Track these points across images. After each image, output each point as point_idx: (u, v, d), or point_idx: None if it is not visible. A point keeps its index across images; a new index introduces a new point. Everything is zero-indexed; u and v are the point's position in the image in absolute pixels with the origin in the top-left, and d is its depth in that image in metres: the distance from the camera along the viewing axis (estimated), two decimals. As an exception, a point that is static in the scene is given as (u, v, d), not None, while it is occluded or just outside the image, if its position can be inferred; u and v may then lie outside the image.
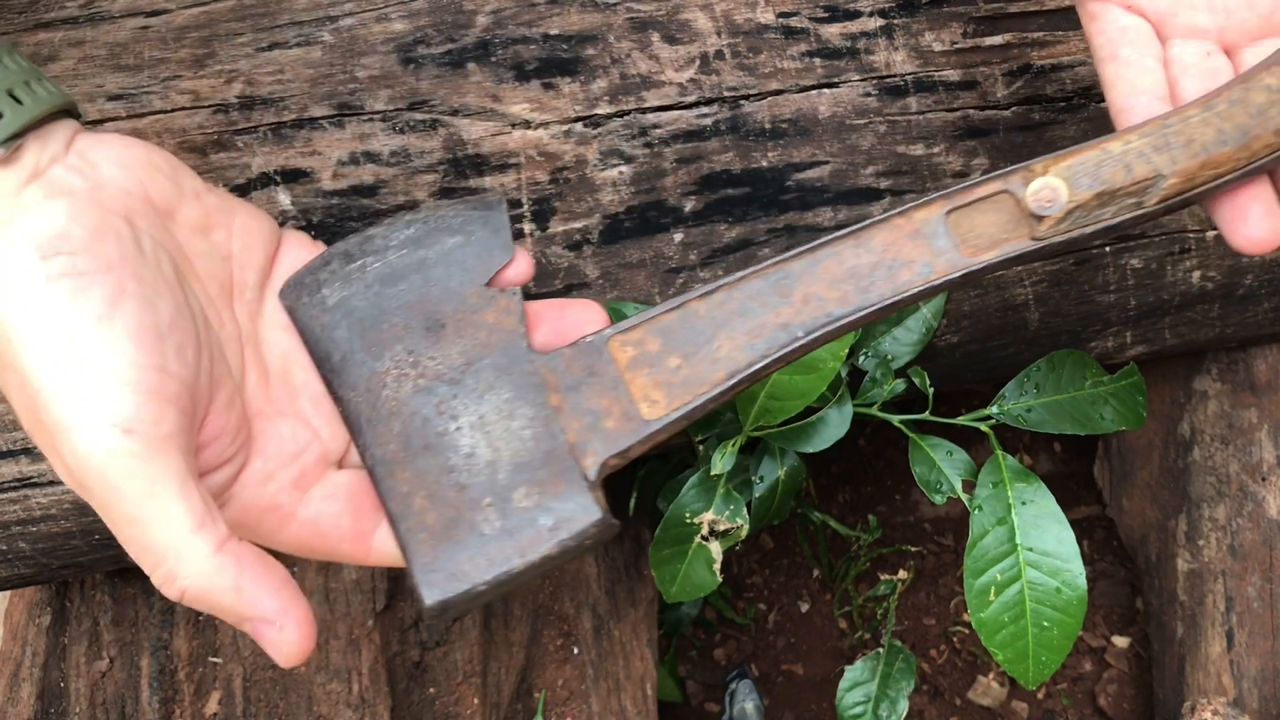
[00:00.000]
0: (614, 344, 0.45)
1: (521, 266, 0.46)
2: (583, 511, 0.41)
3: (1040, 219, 0.45)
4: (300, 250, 0.47)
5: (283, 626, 0.39)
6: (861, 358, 0.69)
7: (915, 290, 0.45)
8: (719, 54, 0.63)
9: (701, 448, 0.70)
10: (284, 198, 0.59)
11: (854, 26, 0.64)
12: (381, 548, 0.43)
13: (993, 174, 0.46)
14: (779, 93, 0.63)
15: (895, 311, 0.46)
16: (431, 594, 0.41)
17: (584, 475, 0.42)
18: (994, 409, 0.68)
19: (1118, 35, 0.50)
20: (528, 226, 0.61)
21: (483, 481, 0.42)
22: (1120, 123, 0.49)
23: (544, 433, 0.43)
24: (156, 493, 0.36)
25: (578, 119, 0.61)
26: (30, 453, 0.61)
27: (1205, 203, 0.47)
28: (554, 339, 0.45)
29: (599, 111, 0.61)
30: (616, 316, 0.64)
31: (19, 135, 0.39)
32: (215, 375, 0.41)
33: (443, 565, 0.41)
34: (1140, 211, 0.46)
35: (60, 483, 0.62)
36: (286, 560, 0.74)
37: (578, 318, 0.46)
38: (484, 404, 0.43)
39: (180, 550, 0.37)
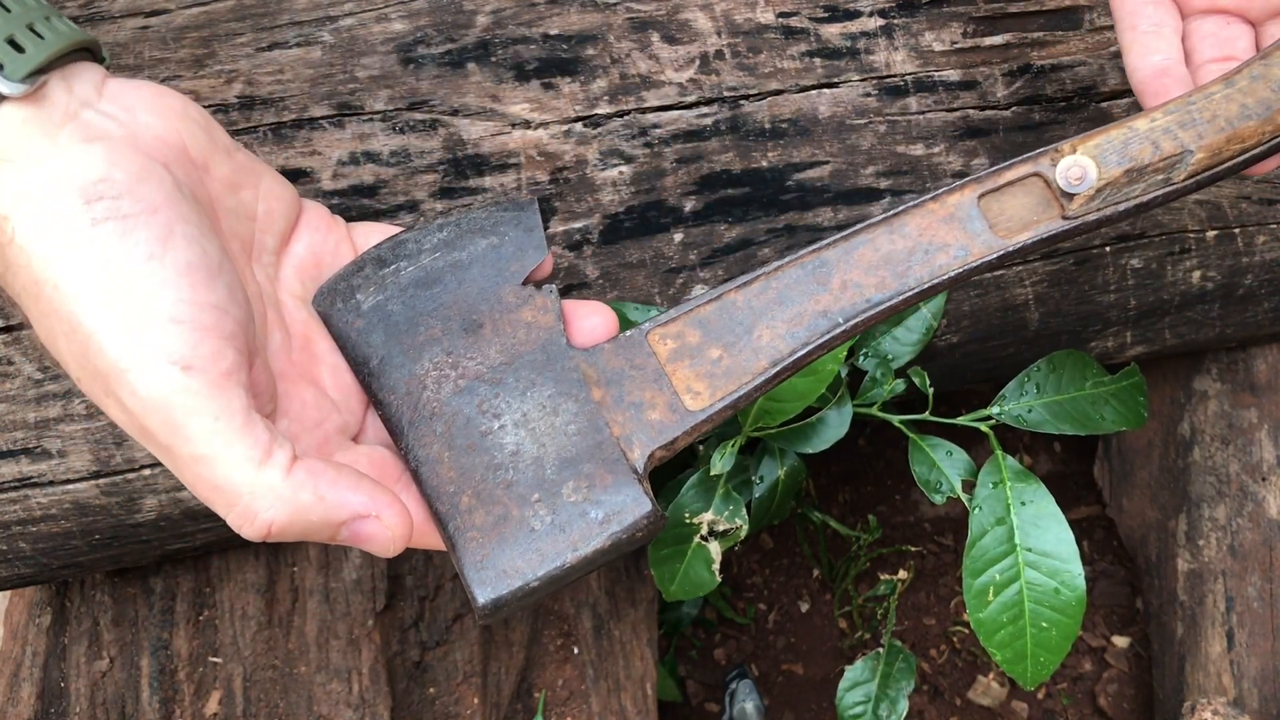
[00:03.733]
0: (653, 337, 0.45)
1: (545, 265, 0.47)
2: (633, 503, 0.41)
3: (1071, 197, 0.45)
4: (319, 221, 0.47)
5: (380, 514, 0.39)
6: (861, 358, 0.69)
7: (952, 274, 0.45)
8: (719, 54, 0.63)
9: (701, 448, 0.70)
10: (284, 198, 0.59)
11: (854, 26, 0.64)
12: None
13: (1021, 157, 0.46)
14: (779, 93, 0.63)
15: (933, 295, 0.46)
16: (484, 593, 0.40)
17: (632, 468, 0.42)
18: (994, 409, 0.68)
19: (1138, 6, 0.52)
20: (527, 226, 0.62)
21: (530, 478, 0.42)
22: (1136, 83, 0.50)
23: (588, 427, 0.43)
24: (220, 429, 0.36)
25: (578, 119, 0.61)
26: (30, 453, 0.61)
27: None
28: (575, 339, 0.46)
29: (599, 111, 0.61)
30: (619, 319, 0.64)
31: (42, 71, 0.38)
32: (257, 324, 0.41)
33: (494, 563, 0.41)
34: (1170, 188, 0.46)
35: (60, 482, 0.62)
36: (286, 560, 0.74)
37: (589, 324, 0.46)
38: (526, 401, 0.43)
39: (254, 485, 0.36)
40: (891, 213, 0.46)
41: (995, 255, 0.45)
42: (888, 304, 0.45)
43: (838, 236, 0.46)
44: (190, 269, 0.37)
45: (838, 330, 0.45)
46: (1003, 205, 0.46)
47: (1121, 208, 0.46)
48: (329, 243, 0.47)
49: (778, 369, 0.44)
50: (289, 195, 0.46)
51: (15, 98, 0.37)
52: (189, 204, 0.39)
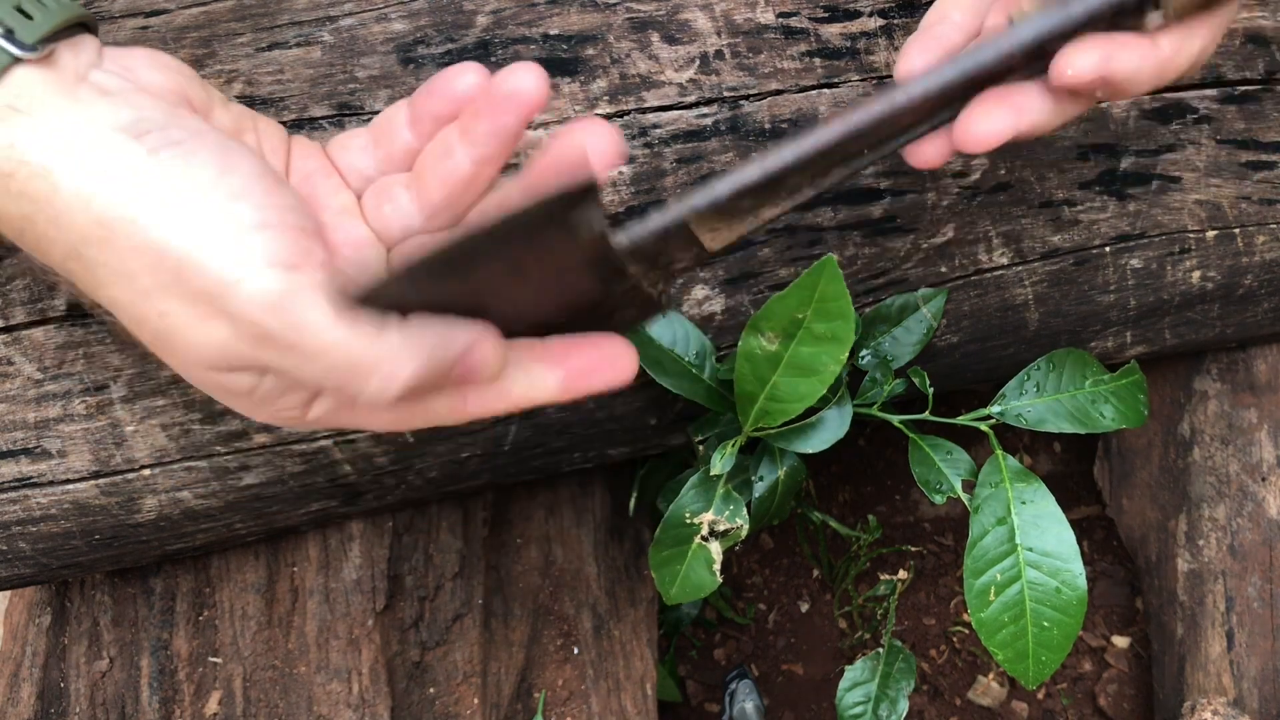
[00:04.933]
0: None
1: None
2: None
3: None
4: (306, 150, 0.48)
5: (486, 338, 0.40)
6: (861, 358, 0.69)
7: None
8: (719, 54, 0.63)
9: (701, 448, 0.70)
10: (284, 198, 0.59)
11: (854, 26, 0.64)
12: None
13: None
14: (779, 93, 0.63)
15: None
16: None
17: None
18: (994, 408, 0.68)
19: None
20: (528, 226, 0.61)
21: None
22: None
23: None
24: (336, 314, 0.37)
25: (578, 119, 0.61)
26: (30, 453, 0.61)
27: None
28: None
29: (599, 111, 0.61)
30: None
31: (50, 39, 0.39)
32: None
33: None
34: None
35: (60, 482, 0.62)
36: (286, 560, 0.74)
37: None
38: None
39: (384, 350, 0.37)
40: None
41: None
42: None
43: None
44: (259, 177, 0.38)
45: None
46: None
47: None
48: (318, 165, 0.47)
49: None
50: (281, 131, 0.48)
51: (30, 60, 0.38)
52: (221, 132, 0.40)
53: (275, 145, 0.47)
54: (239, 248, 0.36)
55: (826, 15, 0.64)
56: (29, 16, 0.38)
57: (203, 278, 0.36)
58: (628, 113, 0.62)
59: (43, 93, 0.38)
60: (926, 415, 0.69)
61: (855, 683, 0.79)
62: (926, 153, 0.46)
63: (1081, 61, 0.41)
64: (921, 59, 0.48)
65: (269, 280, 0.36)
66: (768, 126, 0.63)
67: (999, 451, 0.66)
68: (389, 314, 0.39)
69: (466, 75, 0.44)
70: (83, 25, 0.41)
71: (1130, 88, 0.42)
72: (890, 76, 0.64)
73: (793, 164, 0.42)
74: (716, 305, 0.66)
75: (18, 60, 0.38)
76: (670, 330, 0.64)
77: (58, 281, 0.40)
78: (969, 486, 0.66)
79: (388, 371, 0.37)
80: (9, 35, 0.38)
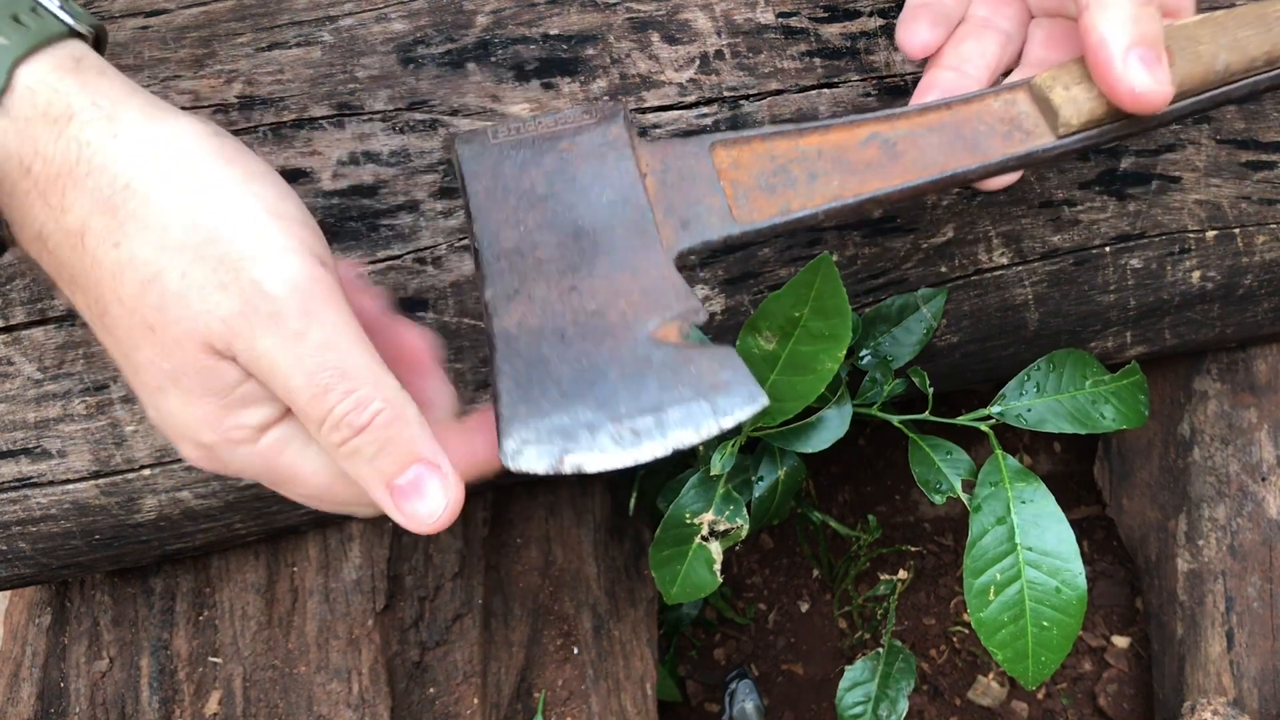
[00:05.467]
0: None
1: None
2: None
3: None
4: None
5: (440, 473, 0.42)
6: (861, 358, 0.69)
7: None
8: (719, 54, 0.63)
9: (702, 448, 0.70)
10: (284, 198, 0.59)
11: (854, 26, 0.64)
12: None
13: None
14: (779, 93, 0.63)
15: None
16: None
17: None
18: (994, 408, 0.68)
19: None
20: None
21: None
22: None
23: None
24: (351, 323, 0.39)
25: (577, 119, 0.61)
26: (30, 453, 0.61)
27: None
28: None
29: (599, 111, 0.61)
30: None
31: (89, 38, 0.41)
32: None
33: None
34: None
35: (60, 482, 0.62)
36: (286, 560, 0.74)
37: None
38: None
39: (370, 373, 0.39)
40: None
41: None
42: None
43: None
44: (293, 195, 0.41)
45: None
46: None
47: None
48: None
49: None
50: None
51: (81, 35, 0.40)
52: None
53: None
54: (280, 230, 0.38)
55: (826, 15, 0.64)
56: (75, 14, 0.41)
57: (238, 245, 0.38)
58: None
59: (106, 65, 0.40)
60: (926, 415, 0.69)
61: (855, 683, 0.79)
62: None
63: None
64: (931, 33, 0.53)
65: (302, 263, 0.38)
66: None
67: (999, 451, 0.66)
68: None
69: None
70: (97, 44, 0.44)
71: None
72: (891, 77, 0.64)
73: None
74: (716, 305, 0.66)
75: (72, 32, 0.40)
76: (670, 330, 0.64)
77: (35, 260, 0.41)
78: (969, 486, 0.66)
79: (365, 395, 0.39)
80: (64, 7, 0.40)
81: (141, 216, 0.38)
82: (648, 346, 0.43)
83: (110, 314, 0.39)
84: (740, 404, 0.41)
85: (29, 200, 0.39)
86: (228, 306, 0.38)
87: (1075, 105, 0.47)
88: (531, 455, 0.41)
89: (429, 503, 0.41)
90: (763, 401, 0.42)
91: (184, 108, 0.58)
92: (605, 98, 0.61)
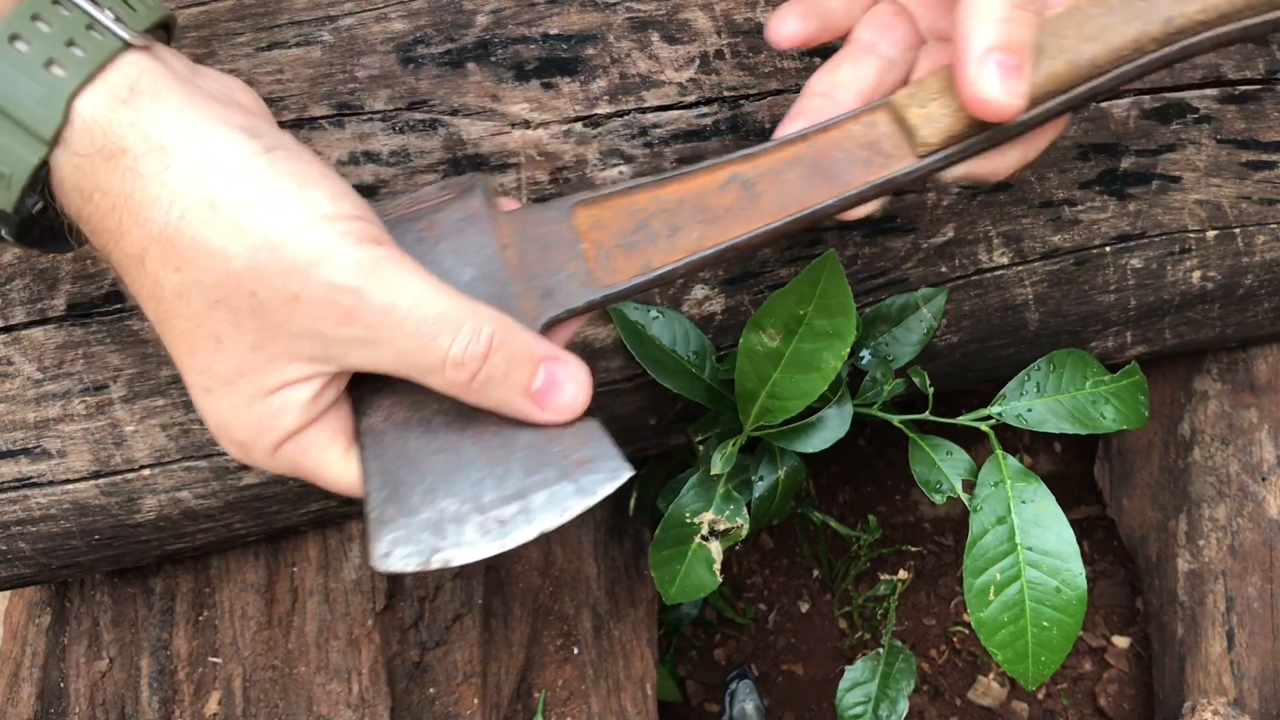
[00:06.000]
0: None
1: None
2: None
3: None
4: None
5: (568, 360, 0.44)
6: (861, 358, 0.69)
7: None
8: (719, 54, 0.63)
9: (701, 448, 0.69)
10: (284, 197, 0.59)
11: (854, 26, 0.64)
12: None
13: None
14: (779, 92, 0.63)
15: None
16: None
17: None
18: (994, 408, 0.68)
19: None
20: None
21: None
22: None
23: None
24: (428, 278, 0.41)
25: (578, 119, 0.61)
26: (30, 453, 0.61)
27: None
28: None
29: (599, 111, 0.61)
30: (618, 317, 0.64)
31: (150, 32, 0.42)
32: None
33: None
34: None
35: (60, 482, 0.62)
36: (286, 560, 0.74)
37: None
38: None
39: (470, 310, 0.41)
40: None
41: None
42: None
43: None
44: (349, 189, 0.42)
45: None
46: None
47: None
48: None
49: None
50: None
51: (138, 47, 0.40)
52: None
53: None
54: (337, 230, 0.40)
55: (826, 15, 0.64)
56: (133, 9, 0.41)
57: (304, 253, 0.39)
58: (628, 112, 0.62)
59: (160, 82, 0.40)
60: (927, 415, 0.69)
61: (855, 683, 0.79)
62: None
63: (952, 174, 0.48)
64: (800, 24, 0.52)
65: (363, 252, 0.40)
66: (768, 126, 0.63)
67: (999, 451, 0.66)
68: None
69: None
70: (165, 32, 0.45)
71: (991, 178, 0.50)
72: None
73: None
74: (716, 305, 0.66)
75: (128, 46, 0.40)
76: (670, 329, 0.64)
77: (115, 275, 0.43)
78: (969, 486, 0.66)
79: (474, 325, 0.41)
80: (119, 22, 0.40)
81: (201, 243, 0.39)
82: (513, 429, 0.43)
83: (173, 323, 0.41)
84: (604, 480, 0.42)
85: (91, 224, 0.41)
86: (307, 311, 0.40)
87: (932, 123, 0.45)
88: (400, 556, 0.41)
89: (568, 392, 0.43)
90: (626, 473, 0.42)
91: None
92: (605, 97, 0.61)
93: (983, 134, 0.46)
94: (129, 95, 0.39)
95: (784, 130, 0.49)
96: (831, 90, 0.50)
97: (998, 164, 0.48)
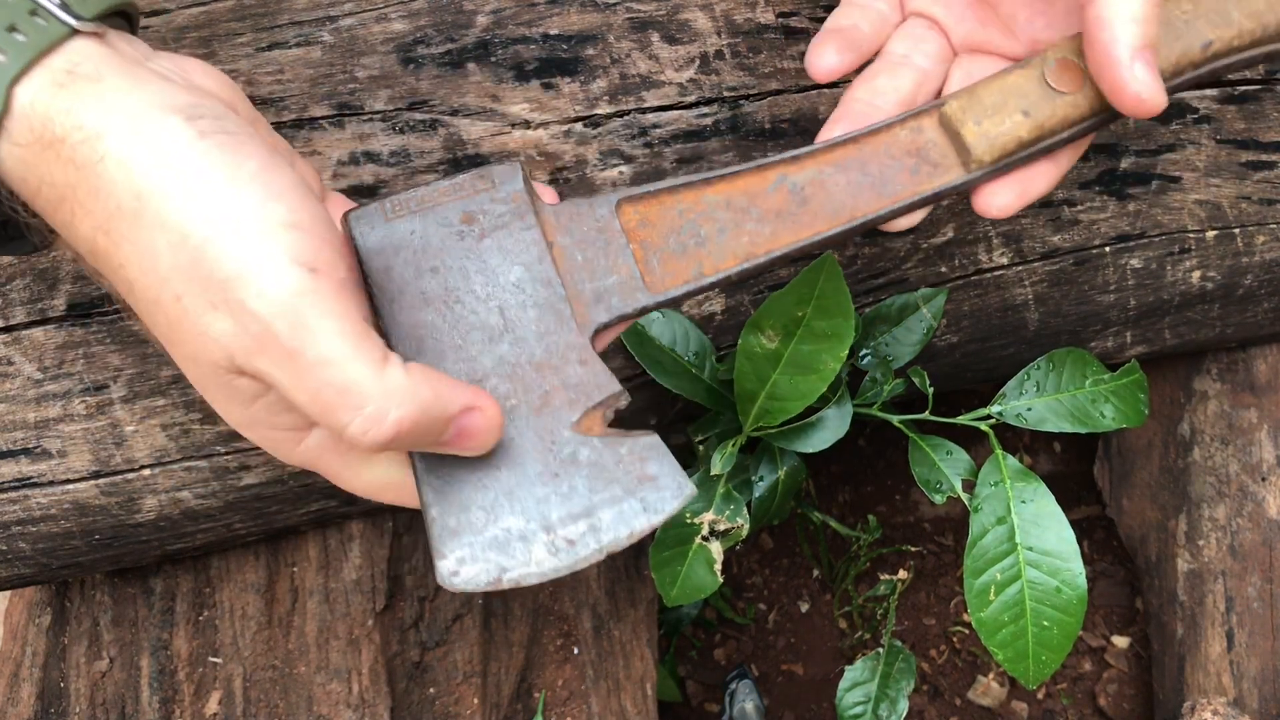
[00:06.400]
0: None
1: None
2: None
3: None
4: (341, 204, 0.48)
5: (482, 406, 0.39)
6: (861, 358, 0.69)
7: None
8: (719, 54, 0.63)
9: (701, 448, 0.69)
10: (284, 198, 0.59)
11: (854, 26, 0.64)
12: None
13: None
14: (779, 93, 0.63)
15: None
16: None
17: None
18: (994, 408, 0.68)
19: None
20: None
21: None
22: (814, 41, 0.53)
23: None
24: (347, 331, 0.36)
25: (578, 119, 0.61)
26: (30, 453, 0.61)
27: None
28: None
29: (599, 111, 0.61)
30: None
31: (102, 19, 0.39)
32: None
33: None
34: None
35: (60, 482, 0.62)
36: (286, 560, 0.74)
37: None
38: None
39: (383, 386, 0.36)
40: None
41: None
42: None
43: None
44: (296, 186, 0.38)
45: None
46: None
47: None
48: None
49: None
50: (318, 178, 0.48)
51: (86, 33, 0.38)
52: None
53: (313, 185, 0.46)
54: (265, 242, 0.36)
55: (827, 15, 0.64)
56: None
57: (221, 265, 0.36)
58: (628, 113, 0.62)
59: (103, 65, 0.38)
60: (926, 415, 0.69)
61: (855, 683, 0.79)
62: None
63: (1002, 200, 0.48)
64: (839, 58, 0.52)
65: (288, 277, 0.36)
66: (768, 126, 0.63)
67: (999, 451, 0.66)
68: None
69: None
70: (127, 20, 0.42)
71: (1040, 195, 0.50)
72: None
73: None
74: (716, 305, 0.66)
75: (74, 32, 0.38)
76: (670, 330, 0.64)
77: (83, 266, 0.41)
78: (969, 486, 0.66)
79: (377, 410, 0.36)
80: (64, 7, 0.38)
81: (134, 239, 0.37)
82: (573, 443, 0.41)
83: (144, 323, 0.40)
84: (670, 498, 0.41)
85: (48, 218, 0.39)
86: (221, 328, 0.36)
87: (988, 140, 0.46)
88: (467, 575, 0.40)
89: (477, 439, 0.40)
90: (690, 492, 0.41)
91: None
92: (605, 97, 0.61)
93: (1029, 150, 0.47)
94: (67, 80, 0.37)
95: (828, 134, 0.50)
96: (872, 98, 0.51)
97: (1039, 183, 0.49)
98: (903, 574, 0.84)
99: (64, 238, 0.39)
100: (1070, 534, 0.64)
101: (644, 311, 0.44)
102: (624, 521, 0.40)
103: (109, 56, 0.38)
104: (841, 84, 0.64)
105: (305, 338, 0.36)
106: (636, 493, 0.41)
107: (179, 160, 0.36)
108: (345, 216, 0.45)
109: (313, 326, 0.36)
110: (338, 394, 0.36)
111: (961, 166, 0.47)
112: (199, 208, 0.36)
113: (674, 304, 0.45)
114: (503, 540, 0.40)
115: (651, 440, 0.42)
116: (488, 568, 0.40)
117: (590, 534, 0.40)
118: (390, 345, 0.43)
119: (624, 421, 0.69)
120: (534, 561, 0.40)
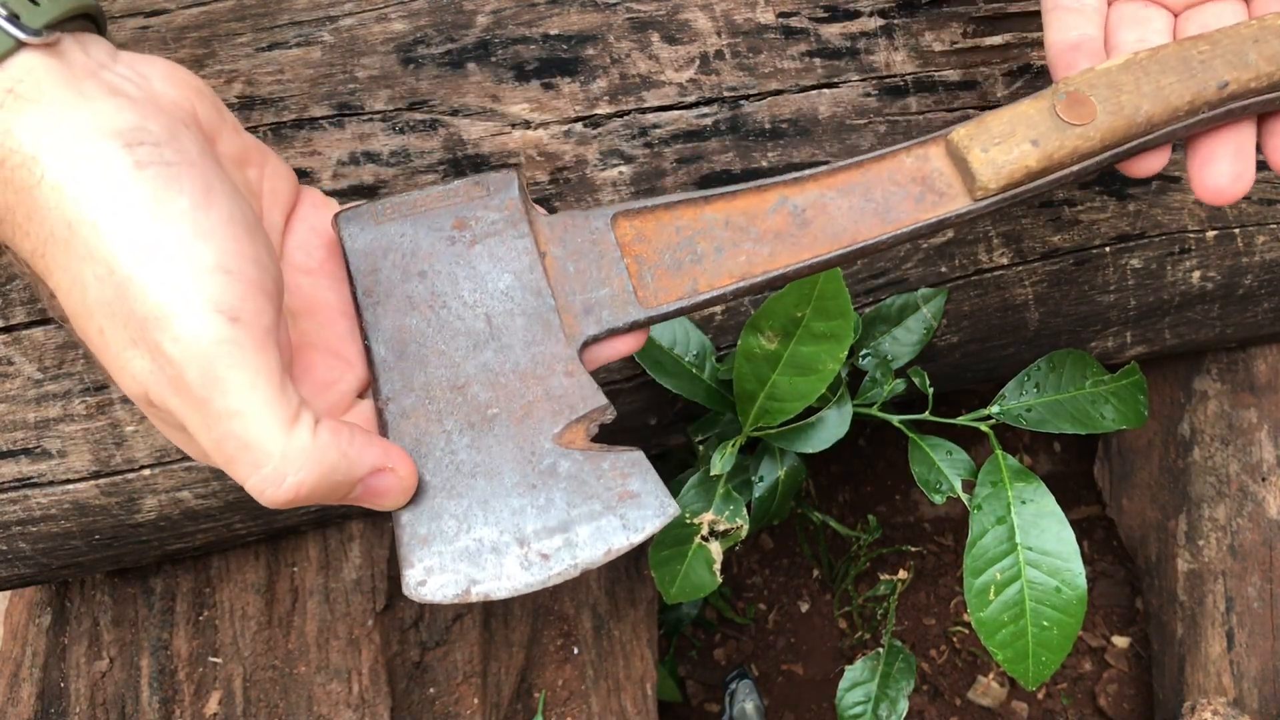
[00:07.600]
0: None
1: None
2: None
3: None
4: (317, 201, 0.47)
5: (395, 466, 0.39)
6: (861, 358, 0.69)
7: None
8: (719, 54, 0.63)
9: (701, 448, 0.70)
10: (284, 198, 0.59)
11: (854, 26, 0.64)
12: None
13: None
14: (779, 93, 0.63)
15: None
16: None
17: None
18: (994, 408, 0.68)
19: None
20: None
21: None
22: (1050, 57, 0.51)
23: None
24: (260, 385, 0.35)
25: (578, 119, 0.61)
26: (30, 453, 0.61)
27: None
28: None
29: (599, 111, 0.61)
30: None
31: (56, 26, 0.37)
32: None
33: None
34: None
35: (60, 482, 0.62)
36: (286, 560, 0.74)
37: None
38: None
39: (285, 447, 0.36)
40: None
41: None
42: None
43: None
44: (232, 222, 0.37)
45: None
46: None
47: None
48: (326, 220, 0.47)
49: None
50: (291, 177, 0.47)
51: (34, 45, 0.36)
52: (218, 164, 0.39)
53: (280, 188, 0.45)
54: (188, 284, 0.35)
55: (826, 15, 0.64)
56: (35, 3, 0.37)
57: (142, 303, 0.35)
58: (628, 113, 0.62)
59: (46, 82, 0.36)
60: (926, 415, 0.69)
61: (855, 683, 0.79)
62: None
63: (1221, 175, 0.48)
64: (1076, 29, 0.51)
65: (207, 324, 0.35)
66: (768, 126, 0.63)
67: (999, 451, 0.66)
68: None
69: None
70: (91, 21, 0.41)
71: None
72: (891, 77, 0.64)
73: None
74: (716, 305, 0.66)
75: (21, 45, 0.36)
76: (670, 330, 0.64)
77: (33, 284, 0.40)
78: (969, 486, 0.66)
79: (276, 471, 0.36)
80: (13, 19, 0.36)
81: (65, 267, 0.36)
82: (553, 455, 0.40)
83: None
84: (651, 516, 0.40)
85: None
86: (139, 365, 0.36)
87: (995, 168, 0.45)
88: (435, 586, 0.39)
89: (387, 498, 0.39)
90: (673, 512, 0.40)
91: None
92: (605, 97, 0.61)
93: (1037, 180, 0.46)
94: (6, 99, 0.36)
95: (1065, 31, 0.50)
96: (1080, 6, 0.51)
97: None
98: (903, 574, 0.84)
99: (12, 252, 0.39)
100: (1070, 534, 0.64)
101: (635, 326, 0.44)
102: (601, 538, 0.39)
103: (55, 71, 0.37)
104: (858, 93, 0.64)
105: (215, 388, 0.35)
106: (616, 509, 0.40)
107: (110, 192, 0.35)
108: (335, 216, 0.45)
109: (224, 378, 0.35)
110: (240, 449, 0.35)
111: (967, 194, 0.46)
112: (125, 243, 0.35)
113: (665, 319, 0.44)
114: (474, 551, 0.39)
115: (635, 456, 0.41)
116: (456, 579, 0.39)
117: (566, 549, 0.39)
118: (371, 348, 0.42)
119: (623, 420, 0.69)
120: (505, 575, 0.39)
